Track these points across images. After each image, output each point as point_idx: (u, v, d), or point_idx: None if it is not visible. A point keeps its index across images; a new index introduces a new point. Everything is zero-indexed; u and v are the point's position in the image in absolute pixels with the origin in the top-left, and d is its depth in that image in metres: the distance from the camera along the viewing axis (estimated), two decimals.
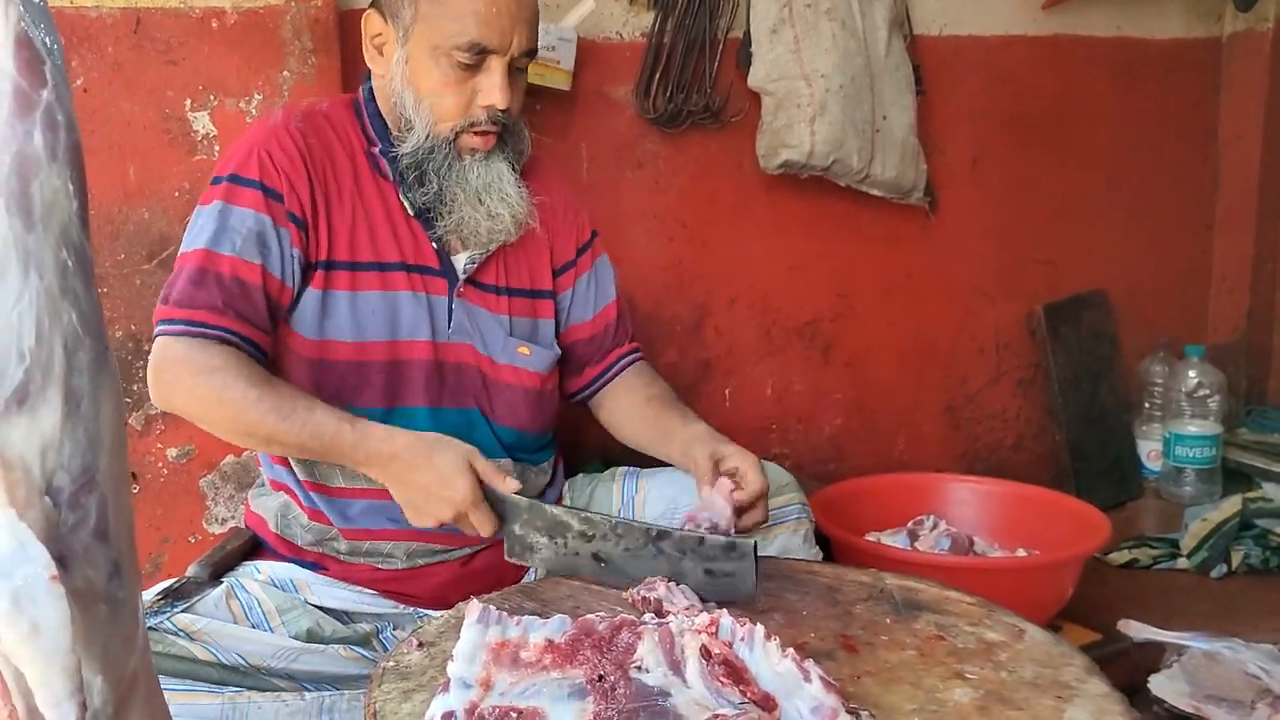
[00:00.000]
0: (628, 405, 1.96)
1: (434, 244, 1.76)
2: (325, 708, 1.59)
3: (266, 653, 1.63)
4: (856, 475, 3.00)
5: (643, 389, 1.96)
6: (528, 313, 1.86)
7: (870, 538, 2.36)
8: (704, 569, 1.50)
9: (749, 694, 1.13)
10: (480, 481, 1.55)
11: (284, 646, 1.65)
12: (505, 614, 1.23)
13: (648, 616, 1.26)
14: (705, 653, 1.17)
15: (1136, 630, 2.36)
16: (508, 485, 1.56)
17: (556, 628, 1.22)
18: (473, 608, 1.23)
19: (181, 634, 1.58)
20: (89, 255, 0.73)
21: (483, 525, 1.56)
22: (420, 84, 1.69)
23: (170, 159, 2.08)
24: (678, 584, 1.49)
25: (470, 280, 1.79)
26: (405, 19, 1.68)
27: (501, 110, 1.70)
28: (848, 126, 2.67)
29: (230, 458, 2.18)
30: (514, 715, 1.13)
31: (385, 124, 1.76)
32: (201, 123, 2.10)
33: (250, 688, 1.57)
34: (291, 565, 1.76)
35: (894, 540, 2.36)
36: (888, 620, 1.50)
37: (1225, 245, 3.72)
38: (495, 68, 1.68)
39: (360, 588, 1.76)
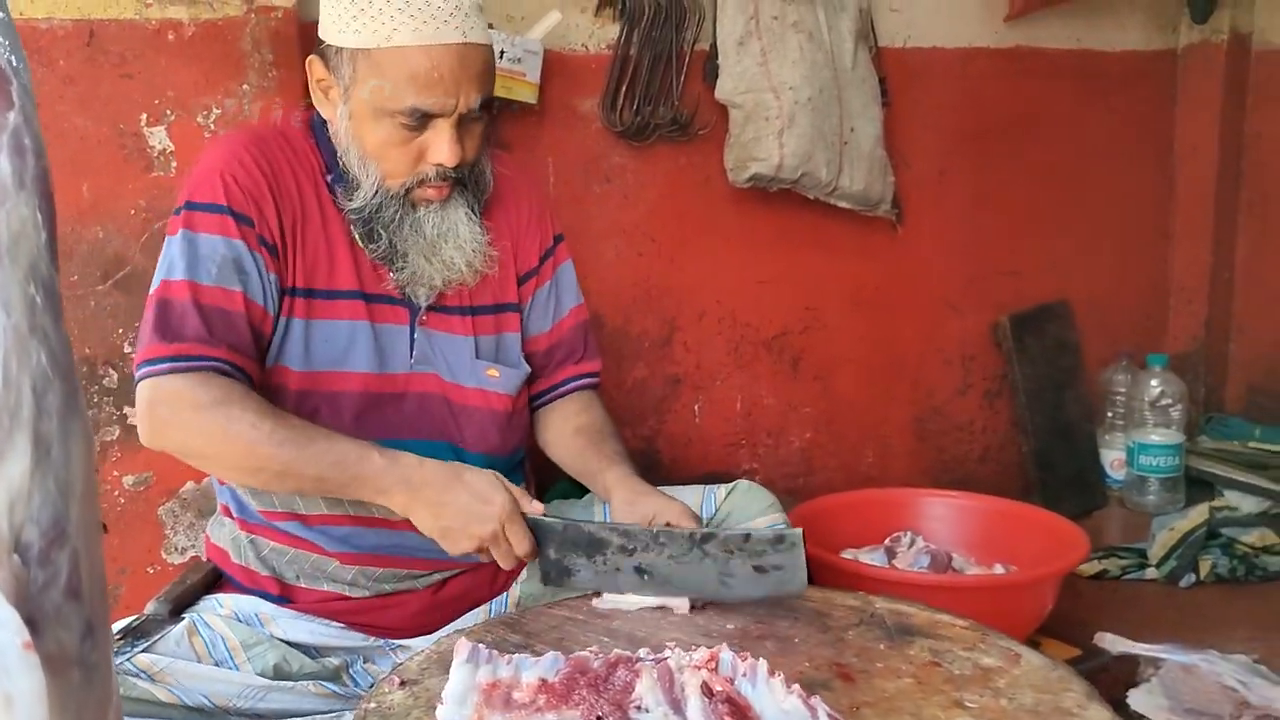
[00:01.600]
0: (557, 434, 1.90)
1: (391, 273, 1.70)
2: None
3: (232, 692, 1.56)
4: (825, 489, 2.98)
5: (573, 417, 1.89)
6: (492, 329, 1.80)
7: (847, 555, 2.33)
8: (753, 565, 1.50)
9: None
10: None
11: (250, 685, 1.58)
12: (495, 653, 1.18)
13: (643, 651, 1.21)
14: (706, 690, 1.13)
15: (1113, 643, 2.35)
16: (534, 507, 1.53)
17: (549, 666, 1.18)
18: (461, 646, 1.18)
19: (143, 675, 1.51)
20: (58, 291, 0.69)
21: (519, 542, 1.51)
22: (365, 141, 1.62)
23: (126, 176, 2.01)
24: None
25: (432, 306, 1.73)
26: (345, 77, 1.61)
27: (452, 167, 1.63)
28: (816, 139, 2.65)
29: (190, 484, 2.11)
30: None
31: (337, 154, 1.69)
32: (158, 138, 2.03)
33: None
34: (255, 598, 1.70)
35: (872, 558, 2.33)
36: (881, 647, 1.47)
37: (1183, 255, 3.75)
38: (443, 127, 1.60)
39: (328, 620, 1.70)
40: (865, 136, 2.79)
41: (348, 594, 1.69)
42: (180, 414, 1.50)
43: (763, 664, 1.15)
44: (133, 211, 2.02)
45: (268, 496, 1.67)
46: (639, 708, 1.13)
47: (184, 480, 2.10)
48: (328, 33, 1.62)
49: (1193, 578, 2.89)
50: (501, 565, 1.55)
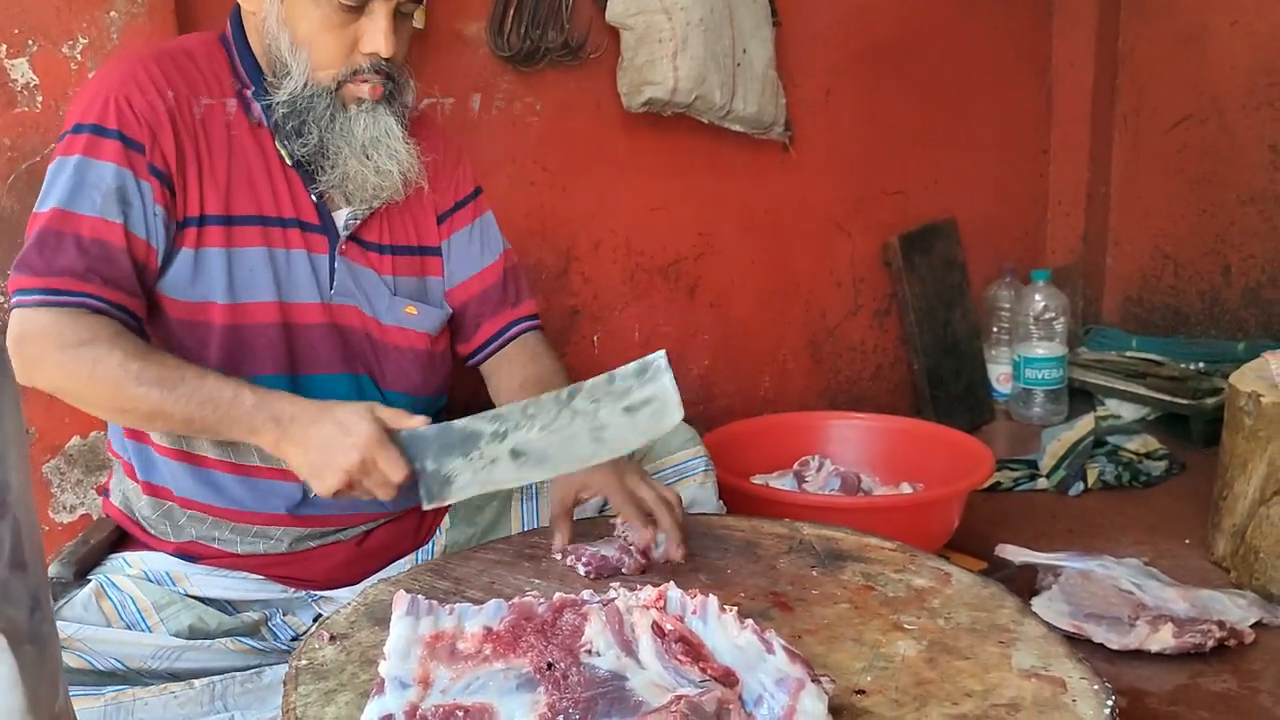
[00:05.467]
0: (506, 387, 1.81)
1: (314, 197, 1.61)
2: (217, 694, 1.47)
3: (146, 654, 1.49)
4: (725, 415, 2.98)
5: (520, 369, 1.81)
6: (415, 271, 1.74)
7: (757, 481, 2.33)
8: (622, 408, 1.37)
9: (709, 671, 1.08)
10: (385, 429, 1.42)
11: (164, 645, 1.51)
12: (436, 603, 1.14)
13: (587, 593, 1.18)
14: (658, 630, 1.10)
15: (1014, 554, 2.42)
16: (413, 422, 1.42)
17: (493, 613, 1.14)
18: (399, 599, 1.13)
19: None
20: None
21: (392, 468, 1.40)
22: (298, 26, 1.52)
23: None
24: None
25: (353, 238, 1.65)
26: None
27: (385, 58, 1.55)
28: (709, 61, 2.60)
29: (76, 439, 1.99)
30: (460, 714, 1.04)
31: (258, 65, 1.59)
32: (20, 71, 1.87)
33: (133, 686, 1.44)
34: (164, 555, 1.61)
35: (782, 483, 2.34)
36: (813, 573, 1.47)
37: (1061, 171, 3.83)
38: (379, 12, 1.52)
39: (244, 573, 1.63)
40: (757, 58, 2.75)
41: (265, 550, 1.62)
42: (48, 353, 1.42)
43: (713, 600, 1.13)
44: None
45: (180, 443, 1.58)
46: (590, 651, 1.10)
47: (69, 436, 1.98)
48: None
49: (1081, 486, 2.98)
50: (381, 497, 1.43)
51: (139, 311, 1.51)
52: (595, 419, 1.38)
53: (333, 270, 1.63)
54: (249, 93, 1.58)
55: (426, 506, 1.46)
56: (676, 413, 1.37)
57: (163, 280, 1.53)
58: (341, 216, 1.64)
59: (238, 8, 1.62)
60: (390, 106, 1.60)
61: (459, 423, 1.42)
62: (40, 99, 1.89)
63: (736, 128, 2.82)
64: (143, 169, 1.48)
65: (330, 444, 1.41)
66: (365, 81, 1.56)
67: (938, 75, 3.43)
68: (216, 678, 1.48)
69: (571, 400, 1.38)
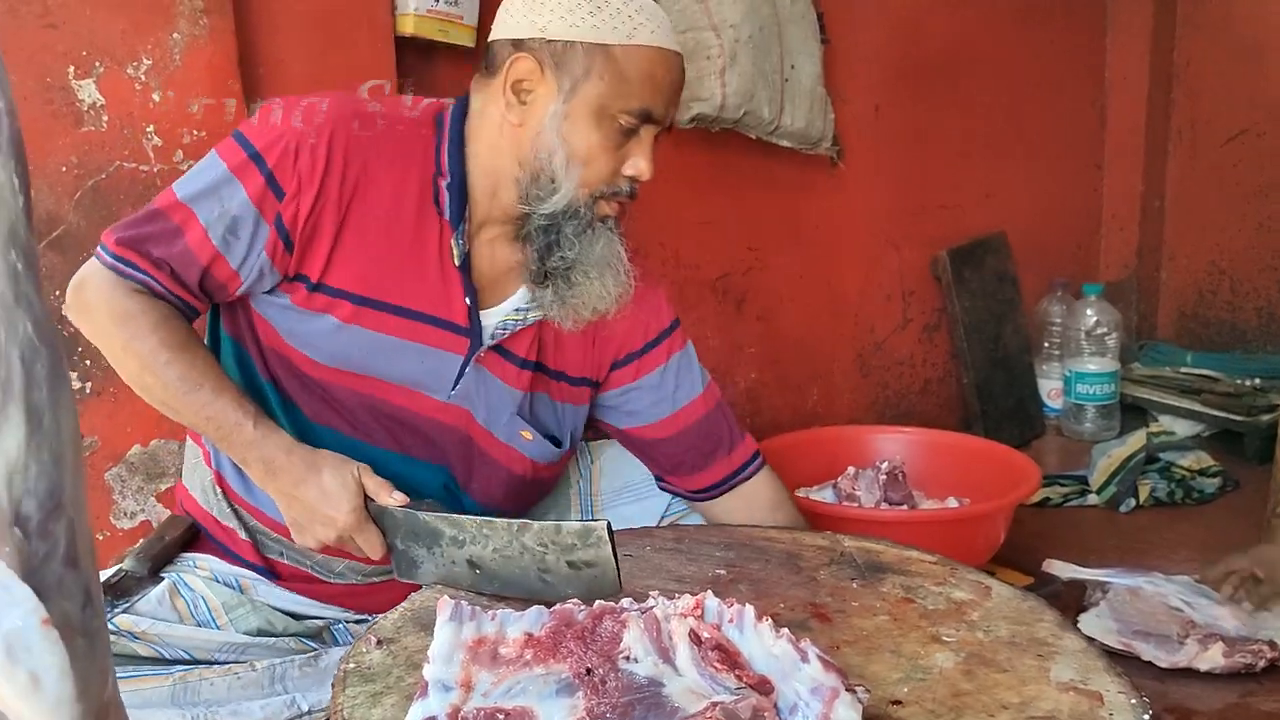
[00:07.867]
0: None
1: (467, 300, 1.60)
2: (277, 676, 1.53)
3: (213, 647, 1.57)
4: (772, 429, 2.99)
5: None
6: (555, 395, 1.72)
7: (799, 494, 2.34)
8: (566, 562, 1.38)
9: (744, 679, 1.10)
10: (368, 500, 1.48)
11: (231, 641, 1.58)
12: (479, 609, 1.17)
13: (626, 601, 1.21)
14: (695, 638, 1.12)
15: (1061, 569, 2.40)
16: (394, 499, 1.47)
17: (534, 620, 1.17)
18: (443, 605, 1.16)
19: (125, 634, 1.50)
20: (36, 256, 0.66)
21: (370, 547, 1.48)
22: (575, 144, 1.53)
23: (55, 132, 1.92)
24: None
25: (496, 347, 1.64)
26: (575, 73, 1.52)
27: (643, 182, 1.60)
28: (758, 77, 2.62)
29: (137, 448, 2.05)
30: (500, 717, 1.07)
31: (463, 156, 1.59)
32: (87, 91, 1.94)
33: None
34: (234, 566, 1.66)
35: (823, 496, 2.35)
36: (854, 585, 1.48)
37: (1115, 184, 3.81)
38: (647, 137, 1.57)
39: (311, 600, 1.67)
40: (806, 74, 2.77)
41: (330, 581, 1.66)
42: (98, 309, 1.50)
43: (749, 609, 1.15)
44: (64, 169, 1.93)
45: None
46: (628, 658, 1.12)
47: (130, 444, 2.04)
48: (549, 28, 1.53)
49: (1132, 502, 2.96)
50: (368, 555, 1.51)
51: (198, 308, 1.57)
52: (542, 561, 1.40)
53: (461, 372, 1.63)
54: (444, 183, 1.58)
55: (398, 578, 1.52)
56: (614, 585, 1.37)
57: (264, 309, 1.59)
58: (491, 320, 1.63)
59: (465, 97, 1.63)
60: (619, 228, 1.63)
61: (424, 515, 1.46)
62: (106, 119, 1.95)
63: (785, 143, 2.84)
64: (270, 214, 1.51)
65: (314, 512, 1.48)
66: (618, 201, 1.60)
67: (990, 89, 3.43)
68: (276, 660, 1.54)
69: (522, 535, 1.40)
